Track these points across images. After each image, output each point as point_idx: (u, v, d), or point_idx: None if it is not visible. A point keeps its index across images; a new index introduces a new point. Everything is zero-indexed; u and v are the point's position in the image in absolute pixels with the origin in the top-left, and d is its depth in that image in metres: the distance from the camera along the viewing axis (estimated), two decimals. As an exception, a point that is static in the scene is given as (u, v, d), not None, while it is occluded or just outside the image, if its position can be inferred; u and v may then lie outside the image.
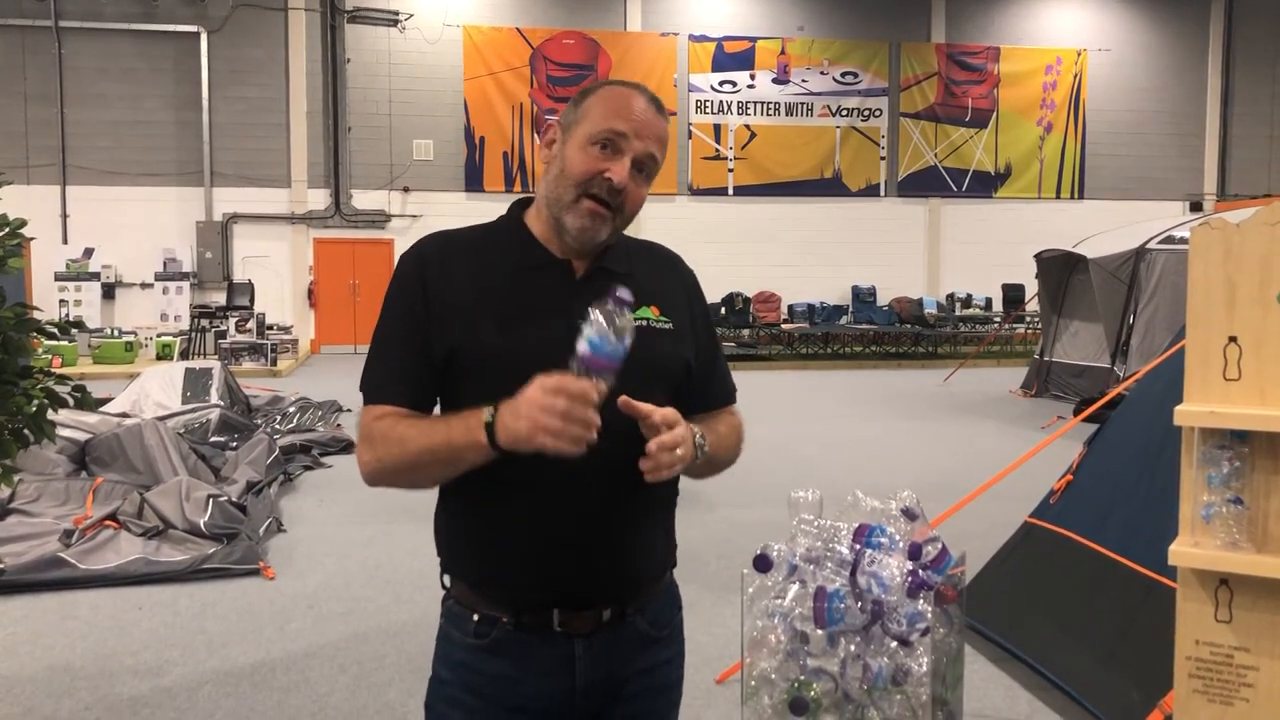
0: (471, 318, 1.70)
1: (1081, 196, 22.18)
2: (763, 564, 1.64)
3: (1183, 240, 11.80)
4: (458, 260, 1.76)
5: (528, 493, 1.67)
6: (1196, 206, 21.94)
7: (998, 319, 20.17)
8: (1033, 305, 17.35)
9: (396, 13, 19.68)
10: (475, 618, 1.74)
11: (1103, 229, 14.85)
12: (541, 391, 1.51)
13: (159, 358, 16.59)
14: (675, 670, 1.89)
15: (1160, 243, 12.16)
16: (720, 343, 1.98)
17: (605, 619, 1.75)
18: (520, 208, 1.84)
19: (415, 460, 1.65)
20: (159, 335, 17.59)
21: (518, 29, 20.13)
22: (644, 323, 1.75)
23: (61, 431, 6.69)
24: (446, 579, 1.82)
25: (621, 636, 1.77)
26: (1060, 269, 13.89)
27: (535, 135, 20.10)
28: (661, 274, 1.87)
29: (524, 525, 1.69)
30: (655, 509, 1.81)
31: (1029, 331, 19.69)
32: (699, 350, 1.86)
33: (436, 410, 1.77)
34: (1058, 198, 22.15)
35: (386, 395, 1.73)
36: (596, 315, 1.50)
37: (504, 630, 1.73)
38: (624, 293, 1.53)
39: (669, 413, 1.62)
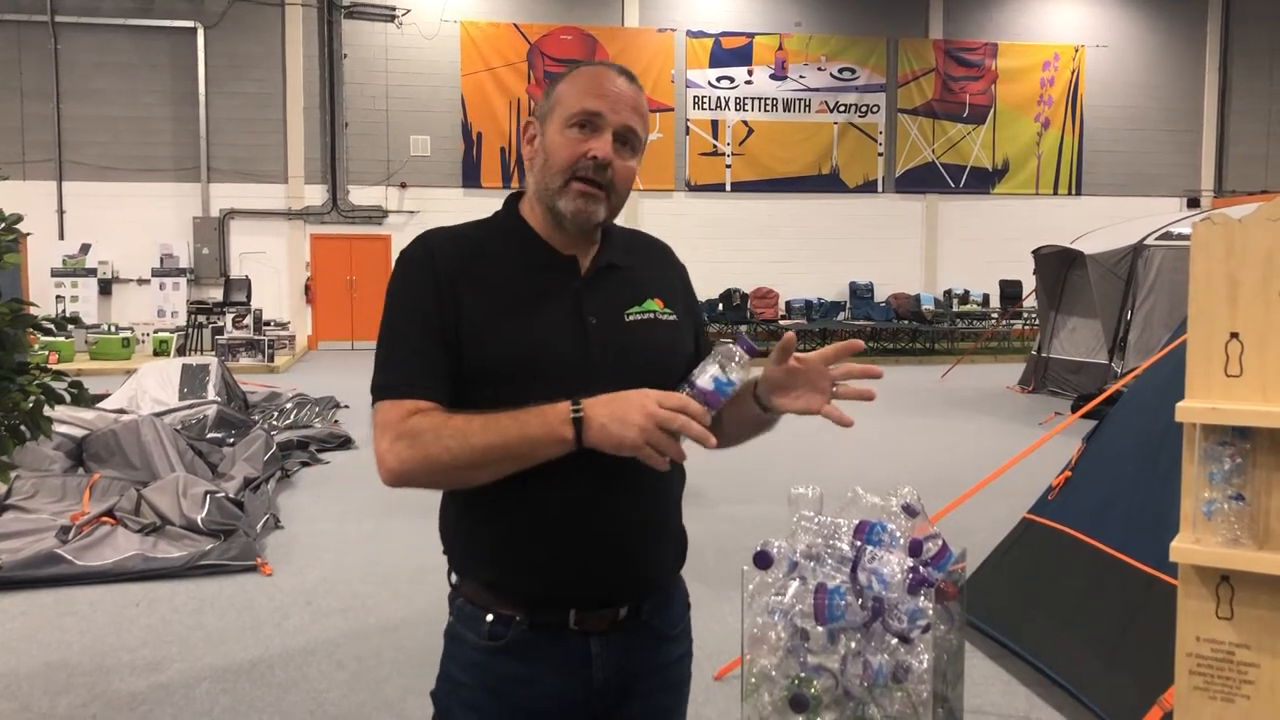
0: (488, 319, 1.67)
1: (1079, 192, 22.18)
2: (763, 560, 1.63)
3: (1180, 236, 11.80)
4: (468, 259, 1.72)
5: (549, 492, 1.64)
6: (1194, 203, 21.95)
7: (995, 315, 20.18)
8: (1030, 301, 17.35)
9: (393, 8, 19.65)
10: (489, 618, 1.72)
11: (1100, 225, 14.85)
12: (659, 406, 1.50)
13: (156, 354, 16.58)
14: (685, 668, 1.89)
15: (1158, 239, 12.15)
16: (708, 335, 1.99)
17: (621, 617, 1.74)
18: (516, 201, 1.82)
19: (479, 457, 1.58)
20: (156, 331, 17.56)
21: (515, 24, 20.10)
22: (651, 315, 1.77)
23: (58, 428, 6.67)
24: (454, 577, 1.79)
25: (636, 634, 1.76)
26: (1058, 265, 13.89)
27: (533, 131, 20.05)
28: (658, 266, 1.88)
29: (544, 525, 1.67)
30: (672, 506, 1.81)
31: (1027, 327, 19.69)
32: (695, 342, 1.87)
33: None
34: (1055, 194, 22.15)
35: (418, 390, 1.64)
36: (725, 355, 1.56)
37: (519, 630, 1.70)
38: (750, 342, 1.58)
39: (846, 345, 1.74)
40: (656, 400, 1.51)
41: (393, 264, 1.77)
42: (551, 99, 1.75)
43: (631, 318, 1.75)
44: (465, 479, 1.64)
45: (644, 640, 1.78)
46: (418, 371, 1.66)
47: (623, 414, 1.52)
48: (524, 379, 1.64)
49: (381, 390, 1.67)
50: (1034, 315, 17.28)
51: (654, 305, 1.78)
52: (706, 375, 1.55)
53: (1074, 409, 10.24)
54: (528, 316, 1.69)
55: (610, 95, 1.70)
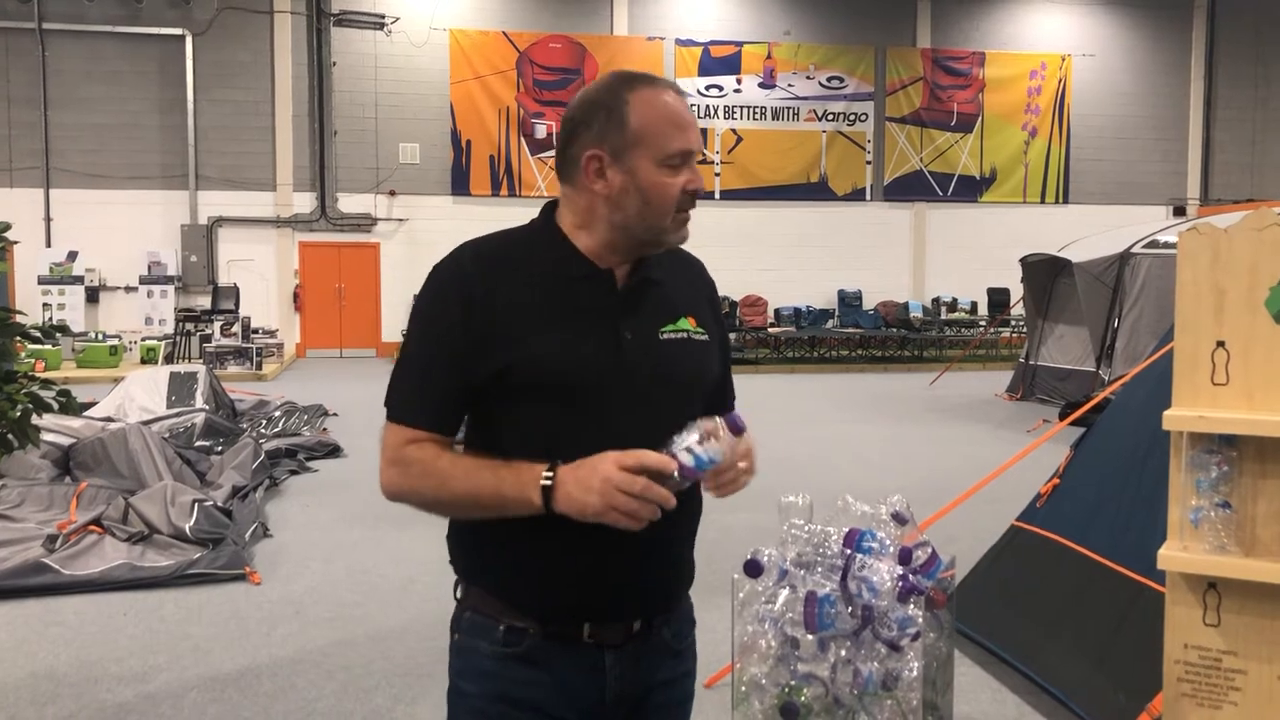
0: (522, 334, 1.66)
1: (1066, 201, 22.27)
2: (753, 569, 1.64)
3: (1166, 244, 11.85)
4: (501, 275, 1.70)
5: None
6: (1180, 211, 22.05)
7: (983, 323, 20.22)
8: (1018, 309, 17.40)
9: (382, 16, 19.64)
10: (501, 627, 1.72)
11: (1087, 233, 14.91)
12: (619, 470, 1.52)
13: (143, 362, 16.50)
14: (691, 683, 1.89)
15: (1144, 247, 12.21)
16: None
17: (635, 630, 1.74)
18: (552, 211, 1.78)
19: (454, 501, 1.66)
20: (143, 339, 17.48)
21: (504, 33, 20.11)
22: (684, 334, 1.77)
23: (45, 436, 6.62)
24: (460, 588, 1.79)
25: (649, 647, 1.76)
26: (1045, 273, 13.94)
27: (522, 139, 20.07)
28: (690, 282, 1.87)
29: (560, 536, 1.65)
30: (687, 521, 1.80)
31: (1014, 335, 19.73)
32: (721, 359, 1.87)
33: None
34: (1042, 202, 22.24)
35: (420, 419, 1.70)
36: (707, 431, 1.57)
37: (532, 640, 1.71)
38: (740, 420, 1.61)
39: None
40: (615, 463, 1.53)
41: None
42: (628, 133, 1.66)
43: (665, 336, 1.75)
44: (445, 514, 1.73)
45: (656, 653, 1.78)
46: (425, 399, 1.71)
47: (585, 481, 1.55)
48: (559, 391, 1.66)
49: (389, 409, 1.73)
50: (1022, 323, 17.33)
51: (687, 324, 1.78)
52: (685, 451, 1.55)
53: (1062, 416, 10.27)
54: (564, 329, 1.68)
55: (689, 124, 1.72)
